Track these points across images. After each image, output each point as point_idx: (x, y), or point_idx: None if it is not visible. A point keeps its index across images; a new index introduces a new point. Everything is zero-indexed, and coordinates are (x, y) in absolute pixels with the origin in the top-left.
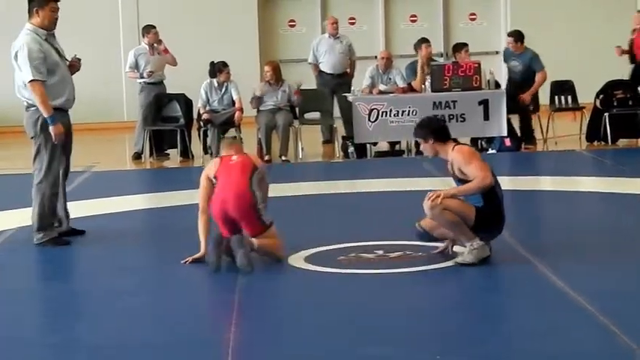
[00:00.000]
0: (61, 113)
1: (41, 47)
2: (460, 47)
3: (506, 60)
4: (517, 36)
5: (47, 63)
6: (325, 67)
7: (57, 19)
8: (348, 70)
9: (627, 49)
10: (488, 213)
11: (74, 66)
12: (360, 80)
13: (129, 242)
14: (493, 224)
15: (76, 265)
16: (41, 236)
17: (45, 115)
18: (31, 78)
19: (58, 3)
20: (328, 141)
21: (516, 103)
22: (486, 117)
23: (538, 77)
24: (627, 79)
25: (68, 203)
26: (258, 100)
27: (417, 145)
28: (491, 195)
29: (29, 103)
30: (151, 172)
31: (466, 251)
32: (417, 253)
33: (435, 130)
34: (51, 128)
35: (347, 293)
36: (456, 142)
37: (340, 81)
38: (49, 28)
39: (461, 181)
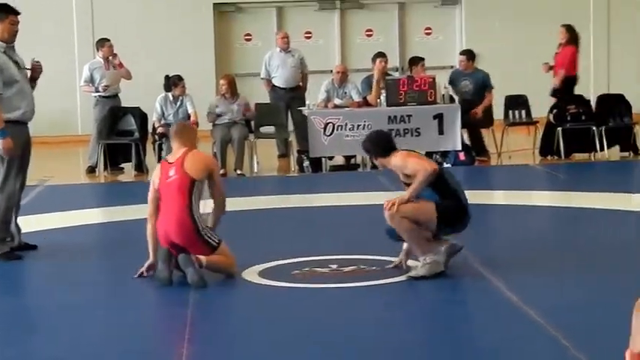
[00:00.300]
0: (19, 126)
1: None
2: (416, 61)
3: (454, 82)
4: (469, 54)
5: (3, 76)
6: (278, 81)
7: (16, 32)
8: (301, 84)
9: (553, 65)
10: (447, 206)
11: (35, 70)
12: (314, 94)
13: (82, 257)
14: (455, 218)
15: (28, 279)
16: None
17: None
18: None
19: (18, 16)
20: (284, 155)
21: (467, 119)
22: (441, 131)
23: (489, 96)
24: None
25: (21, 217)
26: (215, 116)
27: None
28: (442, 186)
29: None
30: (105, 186)
31: (419, 265)
32: (371, 267)
33: (377, 145)
34: (0, 142)
35: (301, 308)
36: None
37: (293, 95)
38: (8, 40)
39: (409, 185)
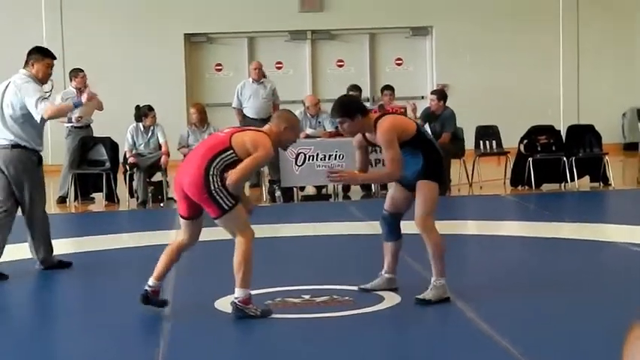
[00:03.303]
0: (36, 153)
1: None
2: (383, 89)
3: (424, 121)
4: (440, 95)
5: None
6: (249, 112)
7: (50, 74)
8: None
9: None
10: (435, 166)
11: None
12: None
13: (49, 286)
14: (441, 171)
15: None
16: None
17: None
18: (41, 103)
19: (54, 61)
20: (255, 185)
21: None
22: None
23: (444, 136)
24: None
25: None
26: (186, 148)
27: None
28: (424, 144)
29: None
30: (76, 216)
31: (430, 287)
32: (344, 297)
33: (359, 105)
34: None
35: (273, 337)
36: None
37: (262, 125)
38: (42, 81)
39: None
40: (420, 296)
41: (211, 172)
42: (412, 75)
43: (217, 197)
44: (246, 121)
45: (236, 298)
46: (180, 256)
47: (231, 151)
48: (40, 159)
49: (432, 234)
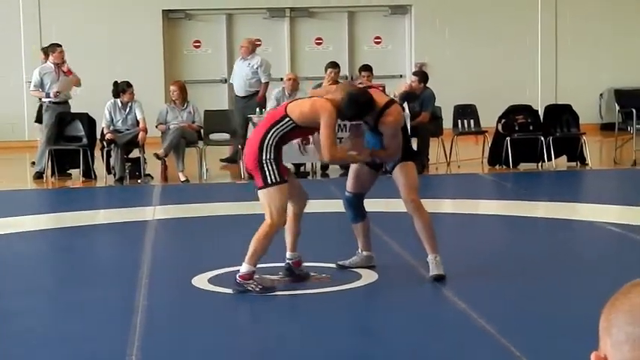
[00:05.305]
0: None
1: None
2: (361, 70)
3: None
4: (421, 76)
5: None
6: (235, 89)
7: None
8: (260, 92)
9: None
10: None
11: None
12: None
13: (27, 263)
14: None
15: None
16: None
17: None
18: None
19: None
20: (230, 160)
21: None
22: None
23: (423, 115)
24: None
25: None
26: (165, 126)
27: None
28: (404, 131)
29: None
30: (53, 192)
31: (433, 263)
32: (322, 274)
33: (372, 102)
34: None
35: (251, 315)
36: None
37: (246, 104)
38: None
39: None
40: (435, 274)
41: (267, 142)
42: (390, 53)
43: (266, 169)
44: (234, 98)
45: (238, 273)
46: (300, 222)
47: (288, 118)
48: None
49: (422, 212)
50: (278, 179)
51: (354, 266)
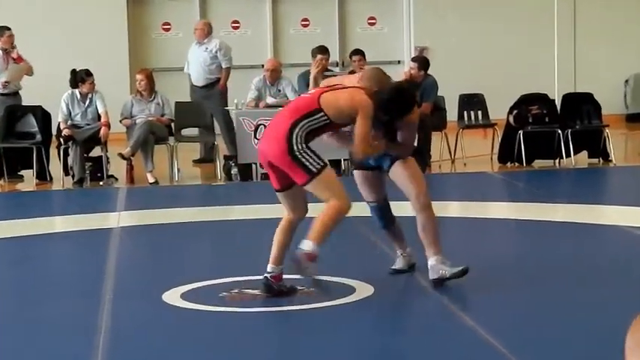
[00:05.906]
0: None
1: None
2: (352, 54)
3: None
4: (421, 63)
5: None
6: (192, 78)
7: None
8: (221, 80)
9: None
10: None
11: None
12: (244, 92)
13: None
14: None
15: None
16: None
17: None
18: None
19: None
20: (203, 160)
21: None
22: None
23: (424, 106)
24: None
25: None
26: (130, 120)
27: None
28: None
29: None
30: (2, 196)
31: (441, 264)
32: (309, 288)
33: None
34: None
35: (230, 334)
36: None
37: (206, 93)
38: None
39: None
40: (449, 275)
41: (295, 132)
42: (387, 37)
43: (302, 159)
44: (191, 89)
45: (302, 250)
46: (293, 234)
47: (322, 114)
48: None
49: (432, 212)
50: (321, 163)
51: (405, 269)
